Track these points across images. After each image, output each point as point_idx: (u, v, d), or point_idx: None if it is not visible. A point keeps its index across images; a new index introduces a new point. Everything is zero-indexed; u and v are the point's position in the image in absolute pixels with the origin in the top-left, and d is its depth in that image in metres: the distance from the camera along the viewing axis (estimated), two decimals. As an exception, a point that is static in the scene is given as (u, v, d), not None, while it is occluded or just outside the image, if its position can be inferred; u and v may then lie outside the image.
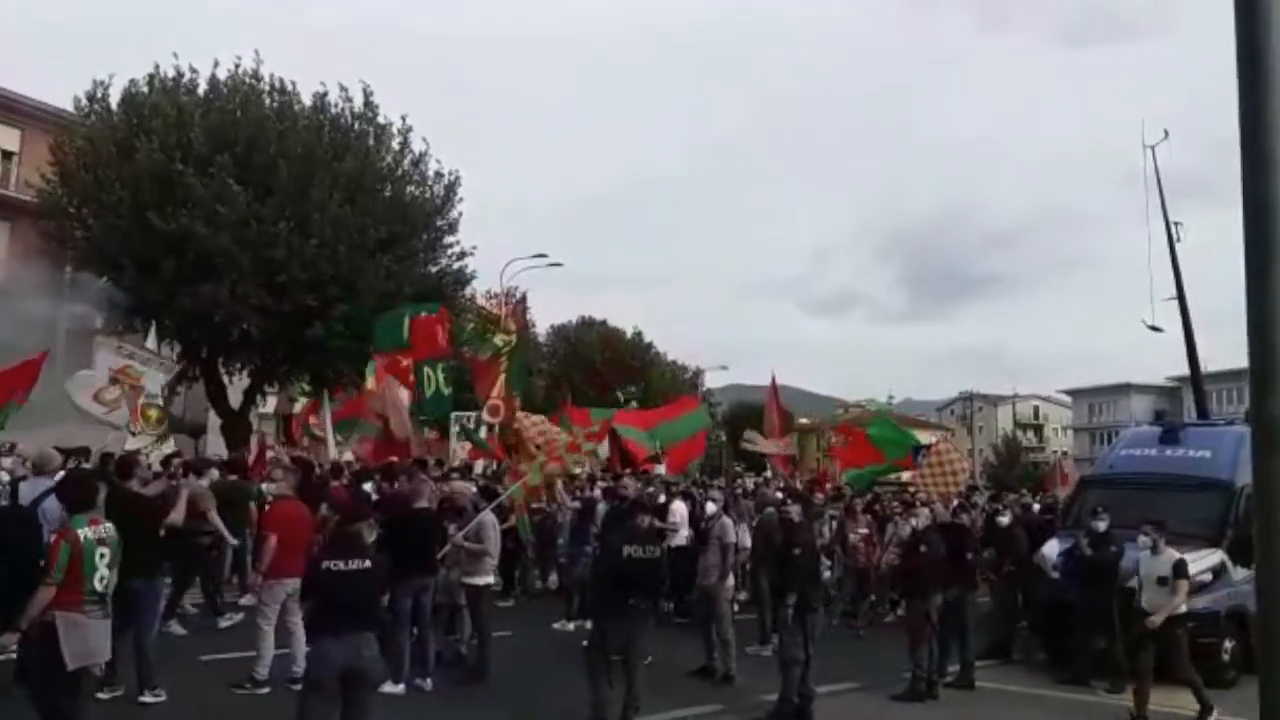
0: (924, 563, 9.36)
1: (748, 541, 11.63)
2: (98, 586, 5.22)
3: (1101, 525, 10.14)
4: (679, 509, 12.46)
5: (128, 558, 5.61)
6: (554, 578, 14.68)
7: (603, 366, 45.88)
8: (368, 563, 5.58)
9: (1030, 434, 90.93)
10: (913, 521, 10.90)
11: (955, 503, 12.53)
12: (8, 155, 30.66)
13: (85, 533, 5.21)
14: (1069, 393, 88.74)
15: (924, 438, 17.36)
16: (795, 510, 8.85)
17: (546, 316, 50.41)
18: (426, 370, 16.12)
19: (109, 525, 5.47)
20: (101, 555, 5.27)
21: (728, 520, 10.23)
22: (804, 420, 53.16)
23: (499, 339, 16.11)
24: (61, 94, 24.55)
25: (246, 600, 10.94)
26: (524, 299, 37.02)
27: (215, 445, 26.34)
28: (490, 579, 9.22)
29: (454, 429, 19.62)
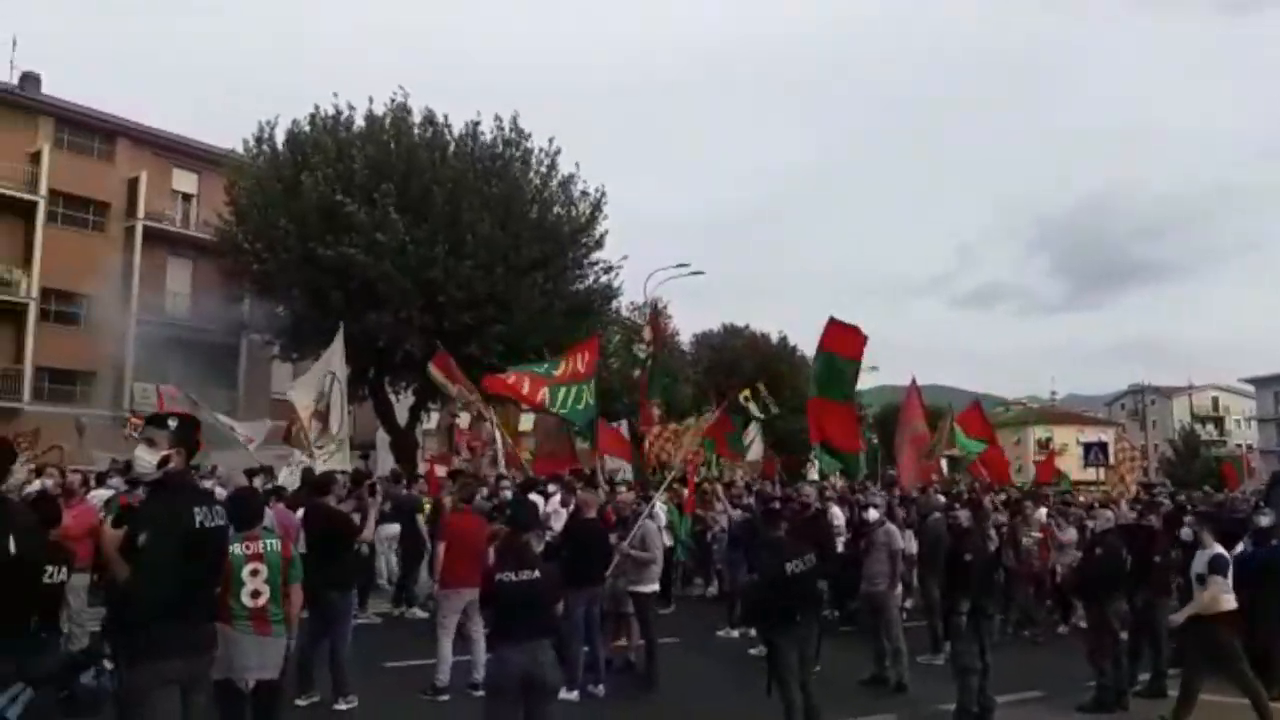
0: (1101, 566, 8.90)
1: (913, 548, 11.40)
2: (246, 602, 5.33)
3: (1264, 521, 9.39)
4: (838, 514, 12.29)
5: (324, 572, 5.80)
6: (714, 586, 14.72)
7: (748, 373, 45.67)
8: (537, 573, 5.69)
9: (1210, 427, 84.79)
10: (1089, 524, 10.41)
11: (1131, 504, 11.87)
12: (187, 198, 33.26)
13: (235, 549, 5.31)
14: (1251, 381, 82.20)
15: (1093, 435, 16.50)
16: (964, 515, 8.61)
17: (690, 325, 50.64)
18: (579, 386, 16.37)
19: (271, 543, 5.56)
20: (254, 572, 5.37)
21: (893, 526, 10.02)
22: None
23: (638, 349, 16.04)
24: (232, 138, 26.45)
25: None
26: (654, 307, 37.31)
27: (385, 461, 27.70)
28: (655, 587, 9.33)
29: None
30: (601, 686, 8.55)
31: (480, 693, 8.16)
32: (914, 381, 16.88)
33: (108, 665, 4.68)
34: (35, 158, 29.04)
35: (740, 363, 46.48)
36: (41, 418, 23.40)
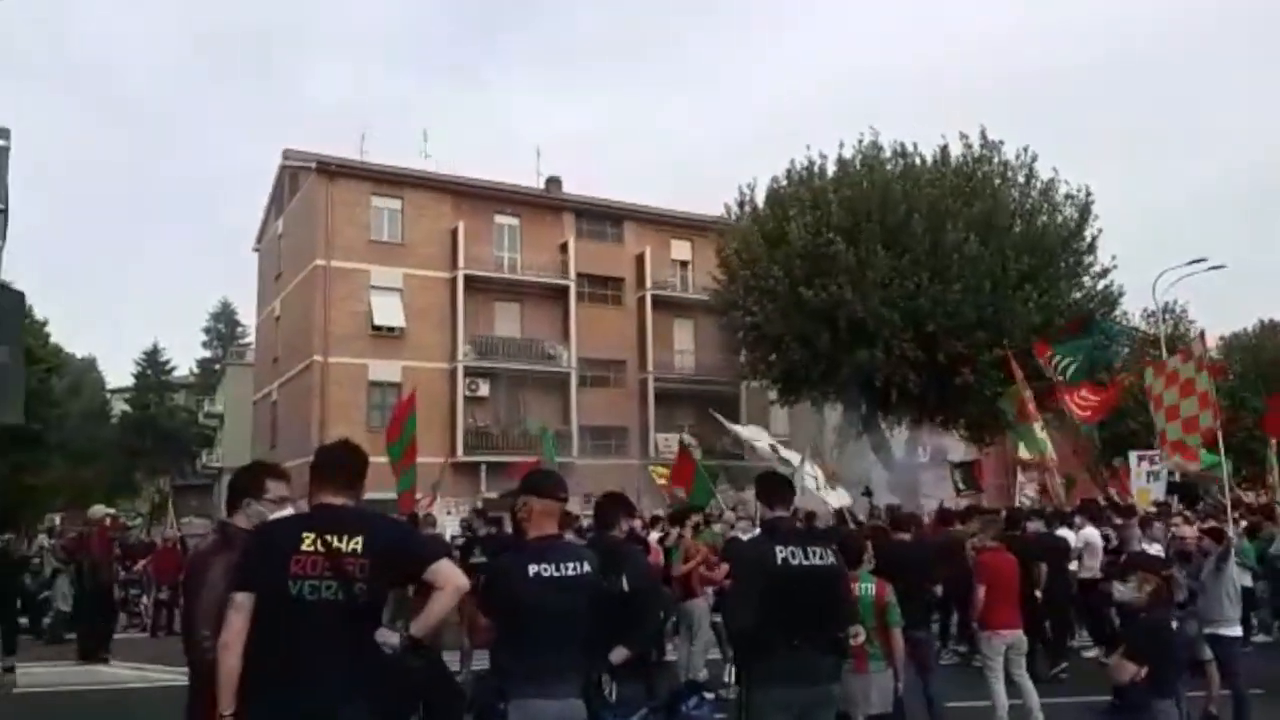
0: None
1: None
2: (851, 640, 5.40)
3: None
4: None
5: (903, 608, 5.88)
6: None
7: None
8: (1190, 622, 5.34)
9: None
10: None
11: None
12: (683, 264, 36.79)
13: None
14: None
15: None
16: None
17: (1216, 327, 44.22)
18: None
19: (867, 586, 5.70)
20: None
21: None
22: None
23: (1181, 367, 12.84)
24: (712, 203, 28.95)
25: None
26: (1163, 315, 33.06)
27: (881, 497, 27.68)
28: (1238, 630, 8.19)
29: (1134, 465, 18.16)
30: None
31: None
32: None
33: (708, 695, 5.21)
34: (564, 248, 34.18)
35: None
36: (588, 470, 27.12)
